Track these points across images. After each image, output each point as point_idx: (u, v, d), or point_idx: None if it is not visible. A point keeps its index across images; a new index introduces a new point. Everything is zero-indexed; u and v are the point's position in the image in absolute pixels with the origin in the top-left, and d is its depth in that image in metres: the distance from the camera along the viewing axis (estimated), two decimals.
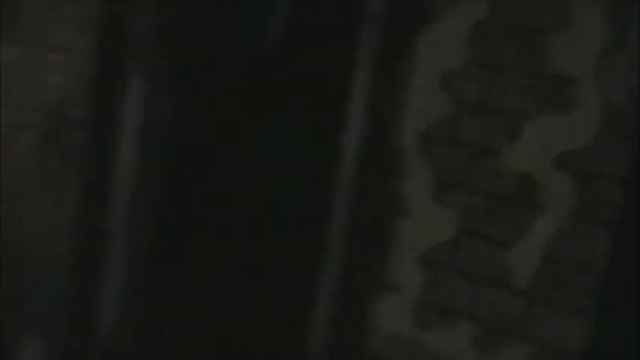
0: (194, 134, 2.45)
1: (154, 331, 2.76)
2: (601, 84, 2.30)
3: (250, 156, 2.66)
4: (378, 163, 2.61)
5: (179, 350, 2.78)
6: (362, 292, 2.63)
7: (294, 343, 2.73)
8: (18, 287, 3.22)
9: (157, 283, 2.46)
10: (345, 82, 2.55)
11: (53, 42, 3.08)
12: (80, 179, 2.91)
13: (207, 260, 2.61)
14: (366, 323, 2.69)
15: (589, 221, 2.33)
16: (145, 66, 2.18)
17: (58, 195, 3.04)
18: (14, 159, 3.25)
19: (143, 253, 2.35)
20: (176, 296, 2.56)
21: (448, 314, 2.56)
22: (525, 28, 2.41)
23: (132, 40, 2.55)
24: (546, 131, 2.39)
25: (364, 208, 2.60)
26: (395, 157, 2.61)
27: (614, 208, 2.26)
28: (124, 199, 2.34)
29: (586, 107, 2.33)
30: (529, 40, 2.42)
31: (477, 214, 2.50)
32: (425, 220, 2.58)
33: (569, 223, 2.38)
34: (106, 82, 2.76)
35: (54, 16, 3.08)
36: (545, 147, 2.38)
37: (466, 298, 2.55)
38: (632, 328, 2.08)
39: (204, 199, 2.54)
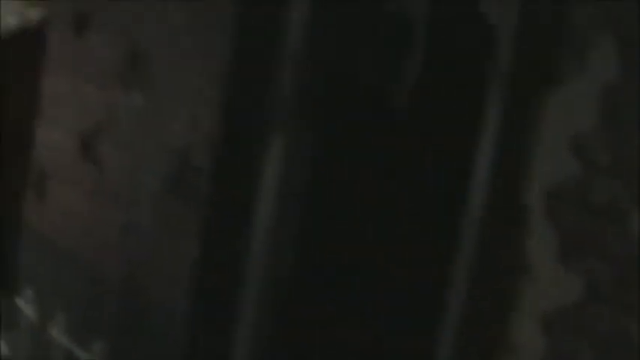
0: (330, 186, 2.51)
1: None
2: None
3: (380, 202, 2.69)
4: (502, 219, 2.59)
5: None
6: (481, 353, 2.59)
7: None
8: (132, 332, 3.31)
9: (291, 331, 2.49)
10: (473, 135, 2.55)
11: (181, 92, 3.18)
12: (203, 224, 2.98)
13: (343, 305, 2.64)
14: None
15: None
16: (285, 121, 2.24)
17: (179, 239, 3.12)
18: (138, 202, 3.36)
19: (275, 300, 2.39)
20: (309, 340, 2.59)
21: None
22: None
23: (271, 96, 2.63)
24: None
25: (486, 265, 2.57)
26: (520, 215, 2.59)
27: None
28: (259, 247, 2.39)
29: None
30: None
31: (603, 278, 2.44)
32: (549, 281, 2.54)
33: None
34: (235, 134, 2.84)
35: (184, 67, 3.18)
36: None
37: None
38: None
39: (339, 249, 2.58)
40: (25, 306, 4.22)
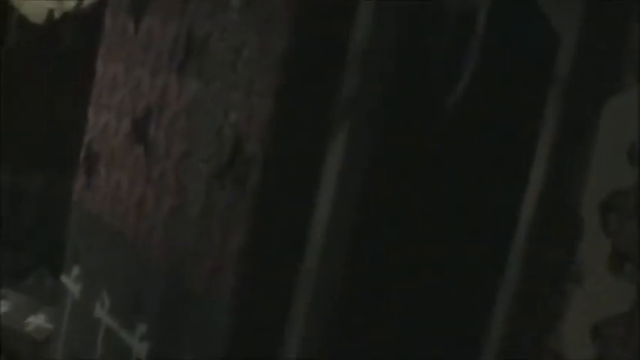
0: (387, 183, 2.50)
1: None
2: None
3: (433, 204, 2.67)
4: (555, 228, 2.56)
5: None
6: None
7: None
8: (176, 318, 3.32)
9: (347, 327, 2.48)
10: (527, 142, 2.52)
11: (237, 80, 3.18)
12: (252, 215, 2.98)
13: (398, 302, 2.62)
14: None
15: None
16: (347, 116, 2.24)
17: (227, 228, 3.12)
18: (188, 189, 3.37)
19: (332, 296, 2.38)
20: (362, 338, 2.57)
21: None
22: None
23: (331, 90, 2.62)
24: None
25: (536, 273, 2.55)
26: (573, 224, 2.55)
27: None
28: (314, 242, 2.38)
29: None
30: None
31: None
32: (599, 291, 2.50)
33: None
34: (291, 126, 2.83)
35: (241, 55, 3.18)
36: None
37: None
38: None
39: (394, 246, 2.57)
40: (71, 284, 4.27)
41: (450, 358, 2.74)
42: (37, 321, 5.46)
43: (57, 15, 4.71)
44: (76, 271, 4.24)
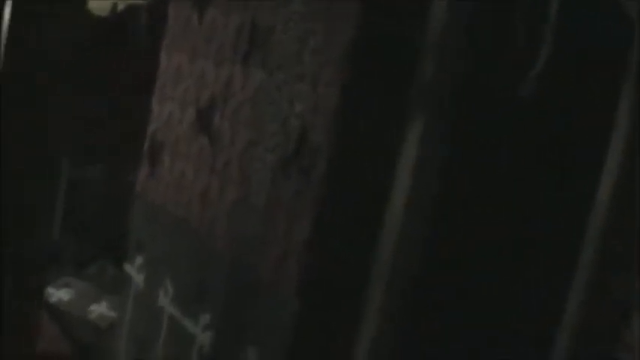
0: (462, 178, 2.47)
1: None
2: None
3: (506, 202, 2.63)
4: (628, 219, 2.51)
5: None
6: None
7: None
8: (240, 308, 3.33)
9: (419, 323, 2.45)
10: (602, 131, 2.46)
11: (302, 70, 3.17)
12: (317, 206, 2.97)
13: (472, 294, 2.58)
14: None
15: None
16: (421, 107, 2.21)
17: (291, 218, 3.12)
18: (253, 178, 3.38)
19: (406, 288, 2.35)
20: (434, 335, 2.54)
21: None
22: None
23: (401, 81, 2.59)
24: None
25: (610, 266, 2.50)
26: None
27: None
28: (392, 231, 2.35)
29: None
30: None
31: None
32: None
33: None
34: (357, 116, 2.82)
35: (306, 45, 3.17)
36: None
37: None
38: None
39: (469, 239, 2.53)
40: (135, 273, 4.32)
41: (522, 358, 2.70)
42: (99, 309, 5.54)
43: (121, 7, 4.76)
44: (139, 260, 4.28)
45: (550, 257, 2.72)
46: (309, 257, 2.98)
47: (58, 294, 5.65)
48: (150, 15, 4.69)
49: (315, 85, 3.08)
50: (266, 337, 3.15)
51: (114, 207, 6.12)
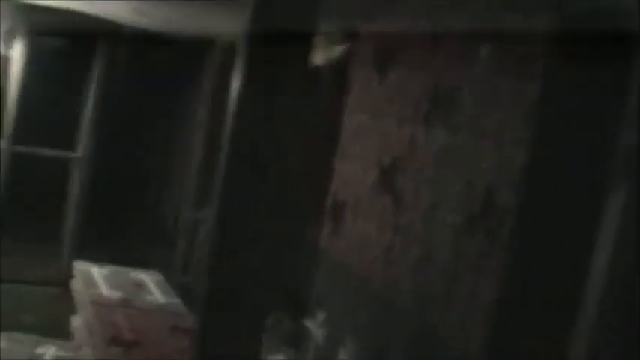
0: None
1: None
2: None
3: None
4: None
5: None
6: None
7: None
8: None
9: None
10: None
11: (487, 130, 3.18)
12: (505, 265, 2.94)
13: None
14: None
15: None
16: (622, 172, 2.17)
17: (477, 278, 3.10)
18: (436, 238, 3.40)
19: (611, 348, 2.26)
20: None
21: None
22: None
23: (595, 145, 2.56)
24: None
25: None
26: None
27: None
28: (593, 295, 2.29)
29: None
30: None
31: None
32: None
33: None
34: (543, 175, 2.80)
35: (490, 106, 3.19)
36: None
37: None
38: None
39: None
40: (315, 328, 4.40)
41: None
42: None
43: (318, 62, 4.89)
44: (320, 315, 4.36)
45: None
46: (496, 317, 2.96)
47: None
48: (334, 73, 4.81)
49: (501, 144, 3.08)
50: None
51: (290, 260, 6.28)
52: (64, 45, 8.49)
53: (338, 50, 4.82)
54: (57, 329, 5.98)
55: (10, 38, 7.08)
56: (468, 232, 3.17)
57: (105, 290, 5.65)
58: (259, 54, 2.45)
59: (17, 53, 7.04)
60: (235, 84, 2.46)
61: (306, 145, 4.72)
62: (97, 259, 6.40)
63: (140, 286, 5.91)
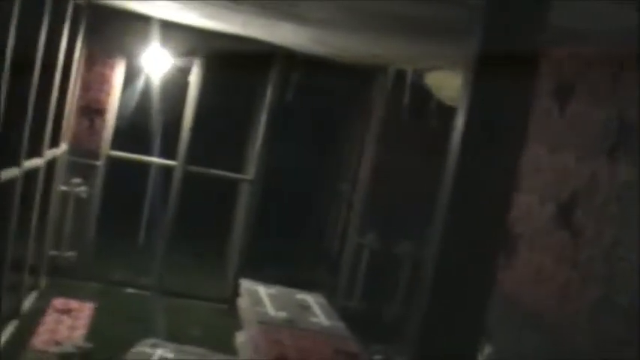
0: None
1: None
2: None
3: None
4: None
5: None
6: None
7: None
8: None
9: None
10: None
11: None
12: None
13: None
14: None
15: None
16: None
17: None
18: (618, 276, 3.28)
19: None
20: None
21: None
22: None
23: None
24: None
25: None
26: None
27: None
28: None
29: None
30: None
31: None
32: None
33: None
34: None
35: None
36: None
37: None
38: None
39: None
40: None
41: None
42: None
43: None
44: (488, 349, 4.29)
45: None
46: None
47: None
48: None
49: None
50: None
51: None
52: (238, 70, 8.82)
53: None
54: (222, 344, 6.15)
55: (189, 62, 7.41)
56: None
57: (271, 310, 5.77)
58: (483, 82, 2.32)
59: (194, 77, 7.36)
60: (458, 121, 2.34)
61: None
62: (263, 278, 6.56)
63: (305, 307, 6.00)
